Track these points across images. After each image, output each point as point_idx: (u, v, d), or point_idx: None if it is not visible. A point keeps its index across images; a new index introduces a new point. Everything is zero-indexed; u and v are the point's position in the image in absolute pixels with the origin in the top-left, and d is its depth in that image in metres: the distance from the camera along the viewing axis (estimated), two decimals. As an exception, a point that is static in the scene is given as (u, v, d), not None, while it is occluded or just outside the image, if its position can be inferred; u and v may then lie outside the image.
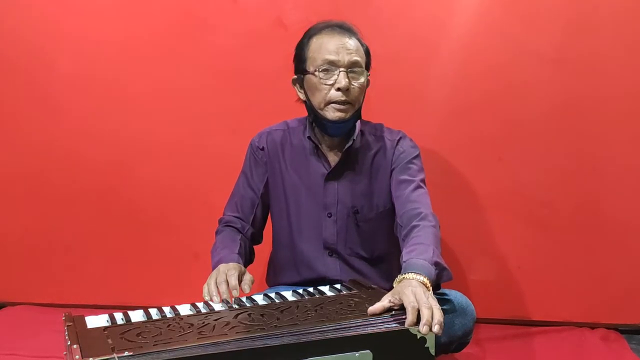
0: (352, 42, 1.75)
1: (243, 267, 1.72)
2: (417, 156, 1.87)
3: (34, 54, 2.53)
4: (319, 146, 1.83)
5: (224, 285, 1.60)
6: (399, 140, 1.87)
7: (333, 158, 1.84)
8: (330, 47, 1.73)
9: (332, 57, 1.72)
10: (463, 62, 2.32)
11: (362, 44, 1.79)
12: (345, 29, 1.78)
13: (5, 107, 2.58)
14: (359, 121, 1.85)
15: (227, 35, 2.42)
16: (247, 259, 1.87)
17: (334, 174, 1.83)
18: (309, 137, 1.83)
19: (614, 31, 2.23)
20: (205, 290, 1.61)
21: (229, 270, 1.65)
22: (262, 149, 1.89)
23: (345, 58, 1.72)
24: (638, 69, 2.24)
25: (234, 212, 1.91)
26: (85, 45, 2.50)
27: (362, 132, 1.85)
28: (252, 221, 1.90)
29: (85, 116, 2.54)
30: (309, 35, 1.80)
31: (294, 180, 1.86)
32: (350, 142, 1.80)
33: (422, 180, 1.82)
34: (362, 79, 1.76)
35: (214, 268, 1.72)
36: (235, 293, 1.58)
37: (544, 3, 2.25)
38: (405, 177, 1.81)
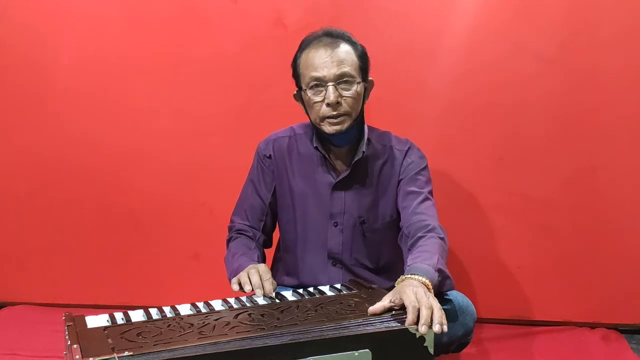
0: (339, 52, 1.70)
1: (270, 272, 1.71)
2: (425, 167, 1.86)
3: (33, 53, 2.53)
4: (327, 156, 1.82)
5: (256, 276, 1.60)
6: (407, 151, 1.85)
7: (341, 167, 1.83)
8: (315, 62, 1.70)
9: (317, 74, 1.69)
10: (463, 63, 2.32)
11: (355, 49, 1.74)
12: (333, 36, 1.74)
13: (6, 108, 2.58)
14: (366, 129, 1.83)
15: (227, 34, 2.42)
16: None
17: (341, 184, 1.82)
18: (315, 147, 1.81)
19: (614, 30, 2.23)
20: (235, 280, 1.63)
21: (263, 273, 1.64)
22: (269, 156, 1.87)
23: (332, 71, 1.69)
24: (637, 66, 2.24)
25: (244, 220, 1.90)
26: (84, 45, 2.50)
27: (369, 139, 1.83)
28: (263, 228, 1.89)
29: (85, 117, 2.54)
30: (300, 49, 1.77)
31: (301, 188, 1.85)
32: (359, 156, 1.78)
33: (430, 192, 1.82)
34: (354, 88, 1.71)
35: (231, 276, 1.72)
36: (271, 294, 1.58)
37: (544, 3, 2.25)
38: (413, 188, 1.80)
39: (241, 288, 1.64)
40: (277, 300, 1.54)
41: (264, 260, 1.87)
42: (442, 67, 2.33)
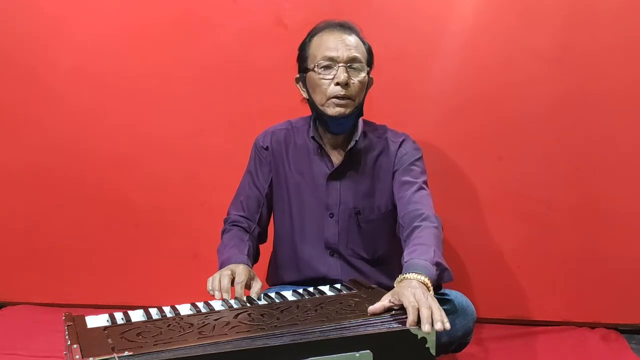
0: (351, 39, 1.77)
1: (252, 272, 1.72)
2: (420, 158, 1.87)
3: (33, 59, 2.53)
4: (323, 146, 1.84)
5: (226, 279, 1.60)
6: (402, 142, 1.87)
7: (336, 158, 1.85)
8: (329, 43, 1.75)
9: (331, 54, 1.74)
10: (463, 61, 2.32)
11: (363, 42, 1.81)
12: (345, 27, 1.80)
13: (5, 107, 2.58)
14: (362, 121, 1.86)
15: (227, 34, 2.42)
16: (254, 260, 1.87)
17: (336, 174, 1.84)
18: (312, 137, 1.84)
19: (612, 29, 2.23)
20: (209, 283, 1.62)
21: (237, 275, 1.64)
22: (267, 148, 1.90)
23: (345, 54, 1.74)
24: (636, 67, 2.24)
25: (240, 211, 1.90)
26: (85, 44, 2.50)
27: (365, 132, 1.86)
28: (259, 220, 1.90)
29: (84, 116, 2.54)
30: (310, 35, 1.82)
31: (297, 179, 1.87)
32: (353, 143, 1.81)
33: (425, 182, 1.83)
34: (362, 75, 1.77)
35: (221, 266, 1.72)
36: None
37: (545, 3, 2.25)
38: (408, 178, 1.82)
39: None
40: (277, 300, 1.54)
41: (255, 253, 1.88)
42: (442, 66, 2.33)
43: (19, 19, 2.51)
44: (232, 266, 1.67)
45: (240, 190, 1.94)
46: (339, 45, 1.75)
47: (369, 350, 1.28)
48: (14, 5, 2.51)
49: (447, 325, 1.31)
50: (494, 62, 2.31)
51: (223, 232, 1.90)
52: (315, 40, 1.79)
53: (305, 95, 1.84)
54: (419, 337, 1.31)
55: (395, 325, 1.33)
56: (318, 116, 1.80)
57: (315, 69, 1.75)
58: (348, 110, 1.75)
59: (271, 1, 2.39)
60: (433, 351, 1.32)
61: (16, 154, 2.60)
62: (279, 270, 1.95)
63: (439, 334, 1.45)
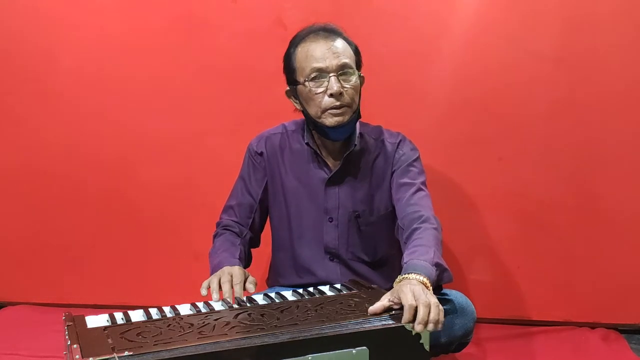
0: (338, 44, 1.72)
1: (247, 272, 1.71)
2: (417, 159, 1.86)
3: (35, 56, 2.53)
4: (318, 152, 1.82)
5: (227, 285, 1.60)
6: (399, 144, 1.86)
7: (333, 162, 1.83)
8: (316, 54, 1.71)
9: (319, 65, 1.70)
10: (463, 62, 2.32)
11: (349, 44, 1.76)
12: (329, 31, 1.75)
13: (5, 107, 2.58)
14: (358, 123, 1.84)
15: (227, 35, 2.43)
16: (246, 264, 1.86)
17: (334, 179, 1.82)
18: (307, 144, 1.82)
19: (613, 30, 2.23)
20: (205, 284, 1.61)
21: (234, 277, 1.63)
22: (261, 153, 1.88)
23: (333, 62, 1.70)
24: (637, 68, 2.24)
25: (232, 216, 1.89)
26: (84, 45, 2.50)
27: (361, 134, 1.84)
28: (251, 226, 1.89)
29: (85, 117, 2.54)
30: (294, 44, 1.77)
31: (294, 185, 1.85)
32: (351, 148, 1.79)
33: (423, 183, 1.82)
34: (354, 80, 1.73)
35: (213, 270, 1.71)
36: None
37: (544, 2, 2.25)
38: (406, 180, 1.81)
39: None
40: (277, 300, 1.54)
41: (247, 257, 1.87)
42: (442, 66, 2.33)
43: (18, 20, 2.51)
44: (227, 269, 1.67)
45: (233, 196, 1.92)
46: (326, 54, 1.70)
47: (365, 347, 1.29)
48: (13, 6, 2.51)
49: (440, 326, 1.32)
50: (494, 63, 2.31)
51: (215, 235, 1.89)
52: (300, 50, 1.74)
53: (298, 107, 1.80)
54: (413, 333, 1.32)
55: (391, 322, 1.34)
56: (316, 127, 1.78)
57: (306, 83, 1.71)
58: (346, 118, 1.72)
59: (271, 1, 2.39)
60: (427, 347, 1.33)
61: (16, 153, 2.60)
62: (278, 275, 1.94)
63: (437, 334, 1.45)
